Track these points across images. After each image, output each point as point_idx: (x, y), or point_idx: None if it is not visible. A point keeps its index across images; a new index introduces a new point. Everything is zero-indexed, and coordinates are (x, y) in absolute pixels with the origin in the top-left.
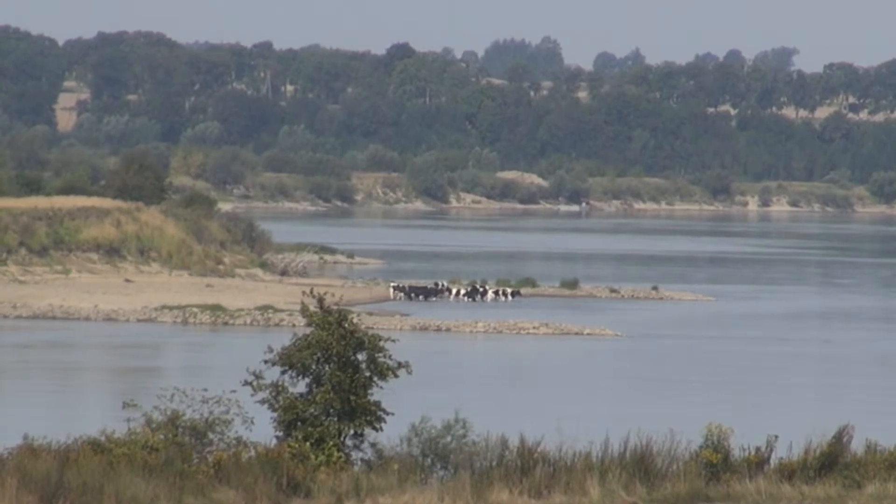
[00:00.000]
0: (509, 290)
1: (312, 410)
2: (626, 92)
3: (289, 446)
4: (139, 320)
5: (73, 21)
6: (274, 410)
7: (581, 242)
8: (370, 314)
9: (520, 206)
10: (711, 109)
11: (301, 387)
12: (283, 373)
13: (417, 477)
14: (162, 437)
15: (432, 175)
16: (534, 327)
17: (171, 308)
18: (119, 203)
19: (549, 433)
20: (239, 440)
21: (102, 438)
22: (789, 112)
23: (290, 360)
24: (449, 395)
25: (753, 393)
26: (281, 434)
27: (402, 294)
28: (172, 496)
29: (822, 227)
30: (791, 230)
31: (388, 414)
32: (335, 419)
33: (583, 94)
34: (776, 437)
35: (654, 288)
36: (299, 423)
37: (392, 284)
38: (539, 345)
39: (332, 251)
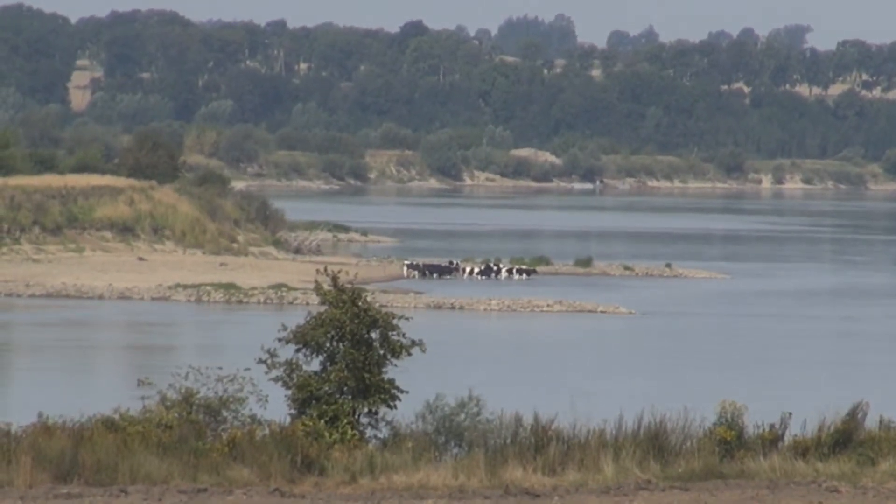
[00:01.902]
0: (524, 269)
1: (326, 388)
2: (640, 70)
3: (303, 424)
4: (153, 299)
5: None
6: (288, 388)
7: (595, 220)
8: (384, 292)
9: (533, 184)
10: (725, 87)
11: (315, 365)
12: (297, 351)
13: (431, 455)
14: (176, 415)
15: (446, 153)
16: (548, 305)
17: (184, 286)
18: (132, 181)
19: (563, 411)
20: (253, 418)
21: (117, 417)
22: (803, 89)
23: (304, 338)
24: (463, 372)
25: (767, 370)
26: (295, 412)
27: (415, 272)
28: (187, 474)
29: (836, 205)
30: (804, 208)
31: (402, 392)
32: (349, 397)
33: (596, 72)
34: (790, 414)
35: (668, 265)
36: (313, 401)
37: (405, 263)
38: (553, 322)
39: (346, 229)
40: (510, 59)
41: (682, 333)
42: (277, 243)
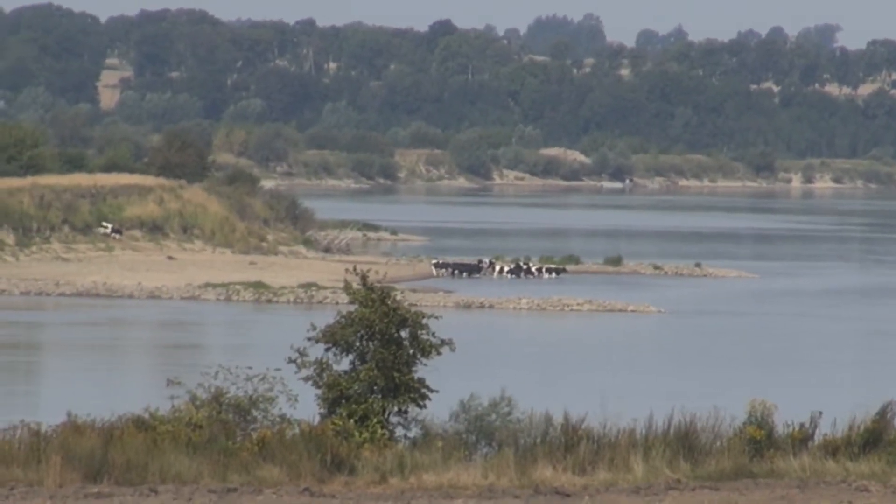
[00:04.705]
0: (554, 268)
1: (356, 388)
2: (669, 69)
3: (333, 423)
4: (182, 298)
5: None
6: (318, 388)
7: (624, 219)
8: (414, 291)
9: (563, 183)
10: (754, 86)
11: (345, 364)
12: (326, 350)
13: (461, 454)
14: (206, 414)
15: (475, 152)
16: (577, 304)
17: (214, 286)
18: (162, 180)
19: (593, 410)
20: (283, 417)
21: (146, 416)
22: (832, 89)
23: (333, 337)
24: (492, 371)
25: (797, 369)
26: (325, 411)
27: (443, 271)
28: (216, 473)
29: (866, 204)
30: (834, 207)
31: (431, 391)
32: (379, 396)
33: (625, 72)
34: (820, 413)
35: (698, 265)
36: (343, 401)
37: (433, 261)
38: (583, 321)
39: (376, 228)
40: (539, 58)
41: (711, 332)
42: (307, 242)
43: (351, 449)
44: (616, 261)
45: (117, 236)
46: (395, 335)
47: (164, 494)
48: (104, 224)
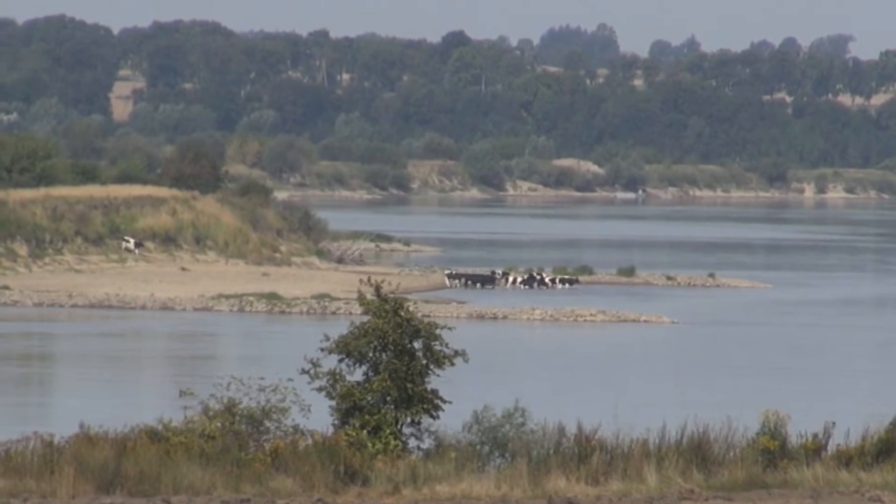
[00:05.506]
0: (567, 278)
1: (369, 398)
2: (682, 80)
3: (346, 434)
4: (195, 309)
5: (128, 10)
6: (331, 398)
7: (637, 229)
8: (427, 302)
9: (576, 194)
10: (767, 97)
11: (358, 375)
12: (340, 361)
13: (475, 465)
14: (219, 425)
15: (488, 163)
16: (590, 314)
17: (227, 297)
18: (175, 191)
19: (606, 420)
20: (296, 428)
21: (159, 427)
22: (845, 99)
23: (346, 348)
24: (506, 382)
25: (810, 380)
26: (338, 422)
27: (457, 282)
28: (229, 484)
29: (879, 214)
30: (847, 217)
31: (445, 402)
32: (392, 407)
33: (638, 82)
34: (833, 423)
35: (711, 275)
36: (356, 412)
37: (446, 272)
38: (596, 332)
39: (389, 239)
40: (552, 69)
41: (725, 343)
42: (320, 253)
43: (364, 460)
44: (629, 271)
45: (139, 251)
46: (409, 346)
47: None
48: (126, 238)
